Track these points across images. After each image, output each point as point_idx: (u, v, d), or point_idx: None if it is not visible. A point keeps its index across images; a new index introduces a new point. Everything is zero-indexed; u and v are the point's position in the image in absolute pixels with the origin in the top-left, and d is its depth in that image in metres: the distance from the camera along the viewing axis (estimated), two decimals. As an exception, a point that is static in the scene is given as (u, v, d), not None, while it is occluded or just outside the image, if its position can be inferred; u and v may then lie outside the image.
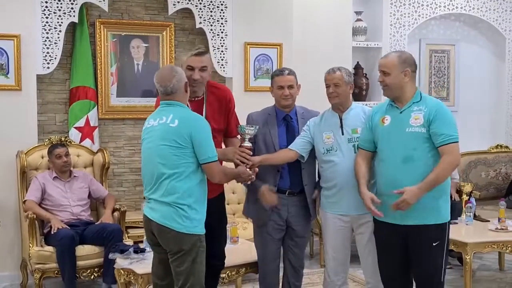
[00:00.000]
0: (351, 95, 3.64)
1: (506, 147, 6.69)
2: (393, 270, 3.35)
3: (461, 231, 4.72)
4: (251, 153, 3.42)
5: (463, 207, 4.99)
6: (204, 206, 3.15)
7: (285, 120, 3.68)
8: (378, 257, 3.42)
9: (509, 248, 4.51)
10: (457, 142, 3.15)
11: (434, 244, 3.18)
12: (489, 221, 4.90)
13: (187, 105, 3.21)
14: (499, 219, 4.73)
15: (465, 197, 5.02)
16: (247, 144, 3.43)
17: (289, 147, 3.58)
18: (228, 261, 3.72)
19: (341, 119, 3.54)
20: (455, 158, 3.15)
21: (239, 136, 3.62)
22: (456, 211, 5.27)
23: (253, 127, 3.44)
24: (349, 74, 3.55)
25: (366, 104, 6.21)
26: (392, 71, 3.21)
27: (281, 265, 3.83)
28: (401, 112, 3.23)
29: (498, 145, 6.65)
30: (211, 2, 5.46)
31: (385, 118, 3.28)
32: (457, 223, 4.88)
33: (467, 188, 5.06)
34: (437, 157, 3.16)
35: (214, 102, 3.48)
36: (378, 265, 3.43)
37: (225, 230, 3.68)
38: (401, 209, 3.11)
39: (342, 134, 3.51)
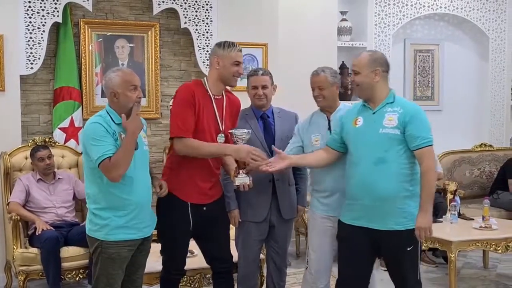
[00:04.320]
0: (337, 95, 3.58)
1: (490, 145, 6.76)
2: (355, 273, 3.24)
3: (446, 230, 4.75)
4: None
5: (448, 206, 5.02)
6: (113, 214, 3.07)
7: (262, 118, 3.70)
8: (341, 259, 3.30)
9: (493, 246, 4.55)
10: (432, 145, 3.11)
11: (408, 249, 3.14)
12: (473, 219, 4.93)
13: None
14: (483, 217, 4.77)
15: (449, 196, 5.05)
16: None
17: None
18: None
19: (329, 121, 3.52)
20: (433, 162, 3.12)
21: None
22: (441, 210, 5.34)
23: (246, 132, 3.36)
24: (334, 75, 3.51)
25: (351, 104, 6.25)
26: (362, 70, 3.17)
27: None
28: (374, 113, 3.17)
29: (482, 143, 6.73)
30: (196, 2, 5.45)
31: (357, 119, 3.22)
32: (441, 222, 4.92)
33: (452, 186, 5.09)
34: (409, 159, 3.11)
35: (230, 104, 3.46)
36: (339, 267, 3.31)
37: (227, 233, 3.57)
38: (426, 236, 3.09)
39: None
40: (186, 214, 3.31)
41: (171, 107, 3.30)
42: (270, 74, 3.72)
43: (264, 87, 3.64)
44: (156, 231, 3.35)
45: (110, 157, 2.97)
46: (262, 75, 3.66)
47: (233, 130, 3.38)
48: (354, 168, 3.19)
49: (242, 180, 3.32)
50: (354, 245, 3.22)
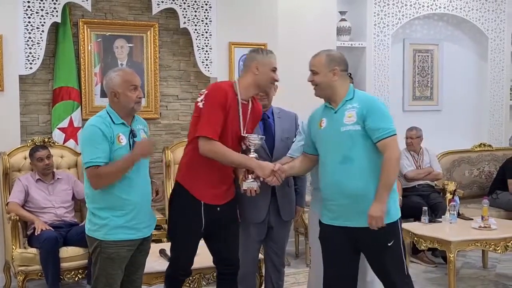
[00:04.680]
0: None
1: (489, 145, 6.76)
2: (338, 273, 3.21)
3: (445, 230, 4.75)
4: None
5: (447, 206, 5.03)
6: (112, 214, 3.08)
7: (262, 118, 3.67)
8: (324, 260, 3.27)
9: (492, 246, 4.56)
10: (395, 134, 3.06)
11: (389, 244, 3.10)
12: (472, 219, 4.93)
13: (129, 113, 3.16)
14: (482, 217, 4.77)
15: (449, 196, 5.05)
16: (253, 154, 3.34)
17: (289, 155, 3.53)
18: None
19: None
20: (396, 152, 3.06)
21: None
22: (440, 210, 5.34)
23: (259, 137, 3.35)
24: None
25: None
26: (320, 70, 3.15)
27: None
28: (335, 112, 3.15)
29: (481, 143, 6.74)
30: (195, 2, 5.44)
31: (322, 121, 3.20)
32: (441, 222, 4.92)
33: (451, 186, 5.09)
34: (374, 154, 3.06)
35: (254, 111, 3.44)
36: (323, 268, 3.28)
37: (237, 235, 3.54)
38: (377, 226, 3.01)
39: None
40: (199, 213, 3.30)
41: (201, 103, 3.25)
42: None
43: None
44: (156, 231, 3.34)
45: (97, 165, 2.98)
46: None
47: (248, 134, 3.36)
48: (324, 169, 3.19)
49: (250, 184, 3.32)
50: (334, 245, 3.20)
